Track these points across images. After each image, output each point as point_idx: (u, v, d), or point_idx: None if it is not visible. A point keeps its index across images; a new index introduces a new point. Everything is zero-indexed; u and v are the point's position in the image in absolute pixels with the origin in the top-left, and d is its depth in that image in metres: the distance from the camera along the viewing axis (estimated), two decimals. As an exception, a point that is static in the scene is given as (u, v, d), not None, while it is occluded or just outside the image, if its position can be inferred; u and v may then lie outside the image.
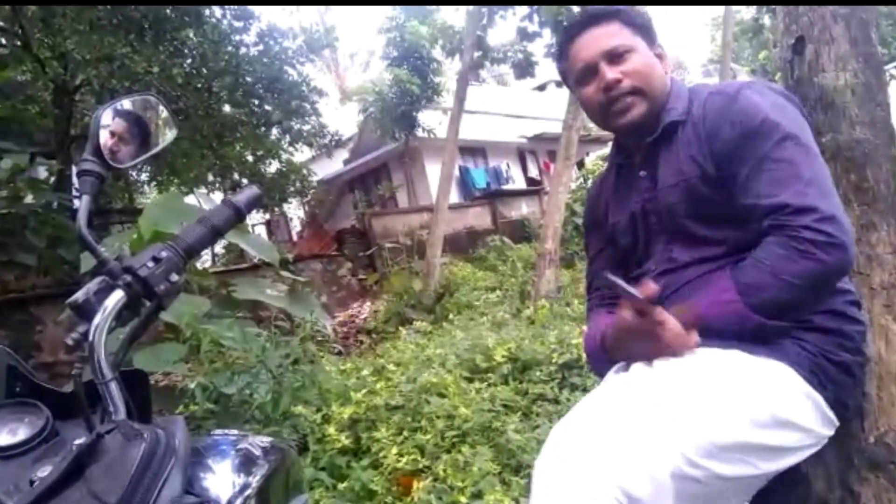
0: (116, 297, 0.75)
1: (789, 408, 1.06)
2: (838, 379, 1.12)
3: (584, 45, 1.29)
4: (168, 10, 8.06)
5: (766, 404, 1.04)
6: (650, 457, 0.95)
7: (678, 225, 1.25)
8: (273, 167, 12.29)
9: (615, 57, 1.26)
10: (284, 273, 5.79)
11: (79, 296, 0.74)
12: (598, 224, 1.49)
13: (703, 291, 1.15)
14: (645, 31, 1.31)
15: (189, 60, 8.82)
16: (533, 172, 19.12)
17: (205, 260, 10.80)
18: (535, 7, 9.37)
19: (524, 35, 10.46)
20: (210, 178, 12.06)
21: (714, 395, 1.04)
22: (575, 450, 0.99)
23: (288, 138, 11.74)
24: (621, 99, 1.25)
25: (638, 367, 1.14)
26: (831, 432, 1.14)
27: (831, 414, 1.12)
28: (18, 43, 7.45)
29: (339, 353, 6.21)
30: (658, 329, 1.08)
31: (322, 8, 19.72)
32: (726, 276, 1.12)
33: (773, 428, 1.04)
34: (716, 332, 1.10)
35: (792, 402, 1.07)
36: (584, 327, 1.44)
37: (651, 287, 1.08)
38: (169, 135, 1.03)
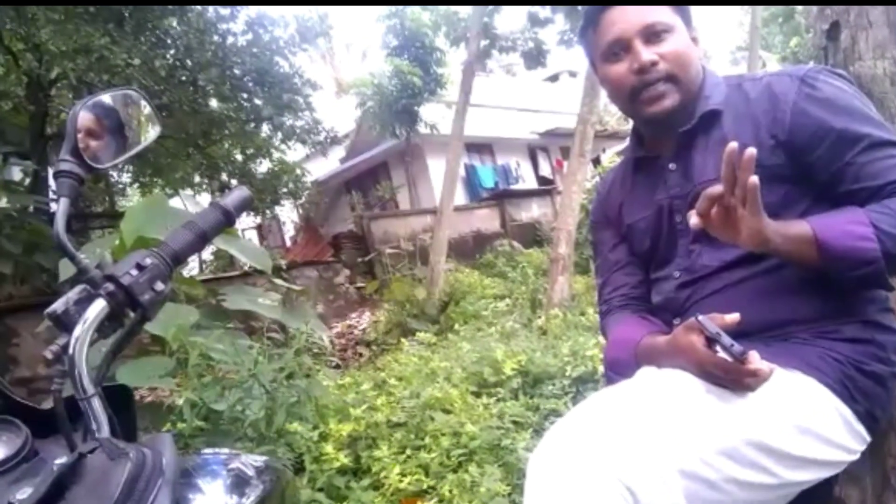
0: (98, 308, 0.75)
1: (814, 419, 1.06)
2: (870, 391, 1.12)
3: (618, 17, 1.24)
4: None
5: (787, 411, 1.04)
6: (658, 449, 0.93)
7: None
8: (264, 167, 12.30)
9: (652, 35, 1.22)
10: (277, 281, 5.83)
11: (58, 306, 0.74)
12: (610, 221, 1.49)
13: (827, 216, 1.12)
14: (684, 10, 1.28)
15: (172, 52, 8.83)
16: (545, 171, 19.11)
17: (192, 267, 10.84)
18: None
19: (535, 21, 10.50)
20: (196, 178, 12.10)
21: (733, 395, 1.03)
22: (575, 441, 0.96)
23: (280, 135, 11.71)
24: (654, 85, 1.22)
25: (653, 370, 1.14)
26: (862, 447, 1.14)
27: (861, 428, 1.12)
28: (-11, 35, 7.49)
29: (337, 367, 6.21)
30: (746, 378, 1.01)
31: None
32: (859, 210, 1.09)
33: (795, 435, 1.04)
34: (830, 260, 1.07)
35: (818, 413, 1.07)
36: (601, 337, 1.43)
37: (755, 357, 1.01)
38: (152, 132, 1.03)
